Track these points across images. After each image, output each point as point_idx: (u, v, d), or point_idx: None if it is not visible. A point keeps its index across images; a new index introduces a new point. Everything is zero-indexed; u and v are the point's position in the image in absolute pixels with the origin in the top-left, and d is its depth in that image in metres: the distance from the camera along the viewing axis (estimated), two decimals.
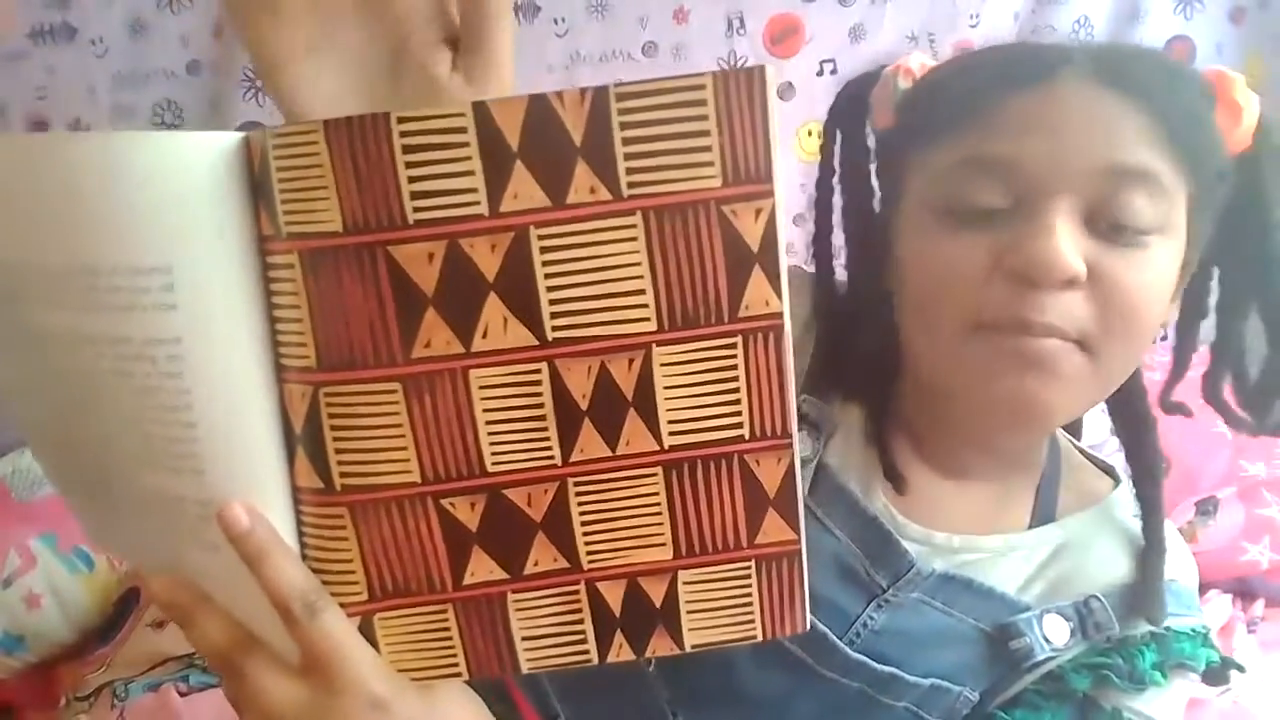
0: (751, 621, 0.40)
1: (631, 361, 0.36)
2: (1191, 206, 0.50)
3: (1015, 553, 0.58)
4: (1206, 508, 1.37)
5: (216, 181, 0.35)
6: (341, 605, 0.39)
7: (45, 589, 1.30)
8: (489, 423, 0.37)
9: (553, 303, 0.35)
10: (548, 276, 0.35)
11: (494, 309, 0.35)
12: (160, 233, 0.34)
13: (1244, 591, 1.37)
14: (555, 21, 1.61)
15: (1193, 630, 0.57)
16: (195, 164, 0.34)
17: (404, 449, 0.37)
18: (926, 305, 0.52)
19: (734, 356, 0.36)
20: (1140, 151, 0.47)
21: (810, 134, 1.65)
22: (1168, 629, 0.56)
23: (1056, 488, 0.61)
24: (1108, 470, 0.63)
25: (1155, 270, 0.49)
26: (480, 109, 0.33)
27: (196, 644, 0.40)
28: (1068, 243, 0.47)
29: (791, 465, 0.38)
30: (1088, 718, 0.55)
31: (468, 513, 0.38)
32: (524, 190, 0.34)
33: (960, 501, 0.59)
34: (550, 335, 0.36)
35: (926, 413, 0.58)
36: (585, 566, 0.39)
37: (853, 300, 0.61)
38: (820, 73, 1.65)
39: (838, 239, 0.62)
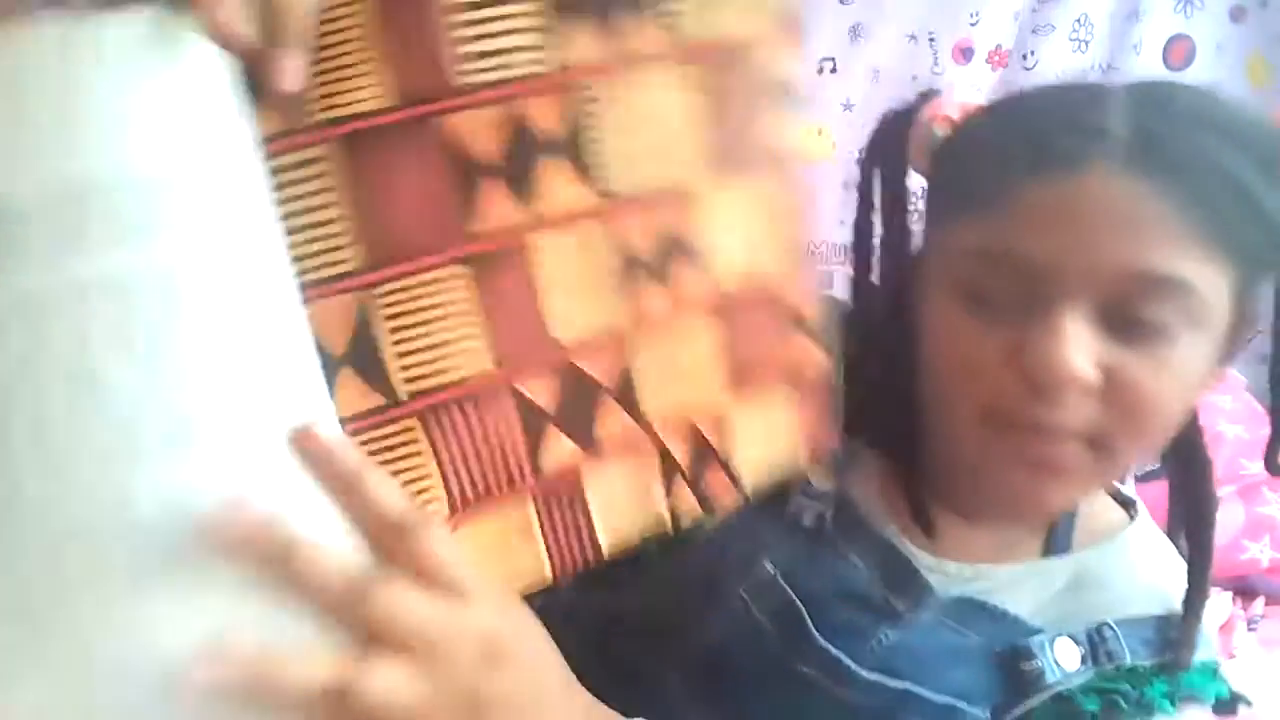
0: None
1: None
2: (1241, 286, 0.47)
3: (1031, 580, 0.58)
4: None
5: (210, 71, 0.28)
6: None
7: None
8: (553, 290, 0.36)
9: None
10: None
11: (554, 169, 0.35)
12: (152, 136, 0.27)
13: (1244, 589, 1.37)
14: None
15: (1202, 664, 0.57)
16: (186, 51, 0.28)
17: (474, 336, 0.34)
18: (942, 382, 0.52)
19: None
20: (1172, 258, 0.44)
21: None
22: None
23: (1073, 519, 0.60)
24: (1126, 503, 0.62)
25: (1178, 368, 0.46)
26: None
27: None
28: (1079, 349, 0.45)
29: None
30: None
31: (544, 395, 0.36)
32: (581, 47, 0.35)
33: (974, 535, 0.59)
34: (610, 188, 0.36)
35: (944, 464, 0.58)
36: (647, 416, 0.39)
37: (882, 346, 0.59)
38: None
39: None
